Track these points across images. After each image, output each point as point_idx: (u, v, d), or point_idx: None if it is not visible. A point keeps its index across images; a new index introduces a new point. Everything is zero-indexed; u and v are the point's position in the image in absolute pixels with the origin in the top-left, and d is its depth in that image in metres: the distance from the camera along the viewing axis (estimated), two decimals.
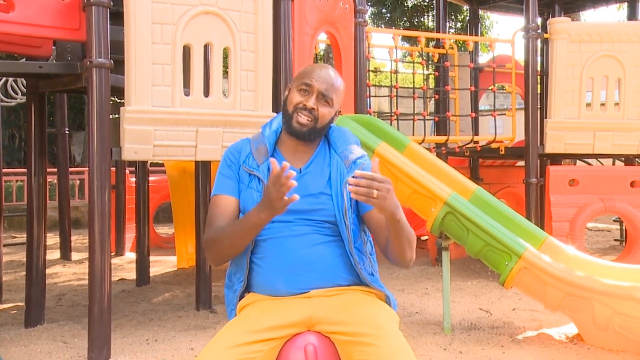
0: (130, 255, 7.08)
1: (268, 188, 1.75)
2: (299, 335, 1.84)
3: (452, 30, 18.43)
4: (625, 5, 7.63)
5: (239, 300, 2.00)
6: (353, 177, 1.70)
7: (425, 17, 20.03)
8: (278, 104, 4.07)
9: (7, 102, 7.89)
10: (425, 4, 19.66)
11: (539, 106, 6.20)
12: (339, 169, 2.00)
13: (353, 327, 1.78)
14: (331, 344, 1.83)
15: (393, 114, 5.95)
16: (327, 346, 1.83)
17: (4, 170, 11.20)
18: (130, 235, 7.28)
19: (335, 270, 1.94)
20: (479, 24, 8.16)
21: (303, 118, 1.96)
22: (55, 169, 7.38)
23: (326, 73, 2.00)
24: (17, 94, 7.74)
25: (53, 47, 4.28)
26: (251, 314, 1.88)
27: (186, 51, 3.59)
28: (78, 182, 11.31)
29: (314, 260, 1.91)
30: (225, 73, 3.78)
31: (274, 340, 1.80)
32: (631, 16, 7.32)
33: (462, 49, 7.85)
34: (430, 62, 6.80)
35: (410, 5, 19.89)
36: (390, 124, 5.46)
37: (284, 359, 1.80)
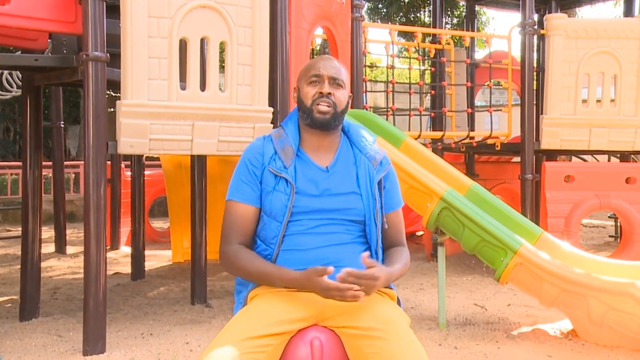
0: (125, 249, 7.07)
1: (325, 288, 1.75)
2: (305, 329, 1.84)
3: (448, 26, 18.40)
4: (622, 1, 7.63)
5: (250, 290, 1.99)
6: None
7: (422, 12, 20.00)
8: (274, 98, 4.06)
9: (2, 95, 7.87)
10: None
11: (535, 102, 6.20)
12: (367, 169, 2.02)
13: (364, 322, 1.80)
14: (337, 339, 1.83)
15: (389, 109, 5.95)
16: (333, 341, 1.83)
17: None
18: (125, 229, 7.28)
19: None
20: (476, 20, 8.16)
21: (323, 106, 1.98)
22: (51, 163, 7.37)
23: (330, 61, 2.05)
24: (12, 87, 7.70)
25: (49, 40, 4.26)
26: (263, 305, 1.86)
27: (183, 45, 3.58)
28: (73, 175, 11.28)
29: (339, 259, 1.91)
30: (222, 67, 3.77)
31: (285, 335, 1.79)
32: (627, 12, 7.33)
33: (459, 44, 7.83)
34: (426, 57, 6.78)
35: (406, 1, 19.85)
36: (387, 120, 5.45)
37: (290, 353, 1.80)
